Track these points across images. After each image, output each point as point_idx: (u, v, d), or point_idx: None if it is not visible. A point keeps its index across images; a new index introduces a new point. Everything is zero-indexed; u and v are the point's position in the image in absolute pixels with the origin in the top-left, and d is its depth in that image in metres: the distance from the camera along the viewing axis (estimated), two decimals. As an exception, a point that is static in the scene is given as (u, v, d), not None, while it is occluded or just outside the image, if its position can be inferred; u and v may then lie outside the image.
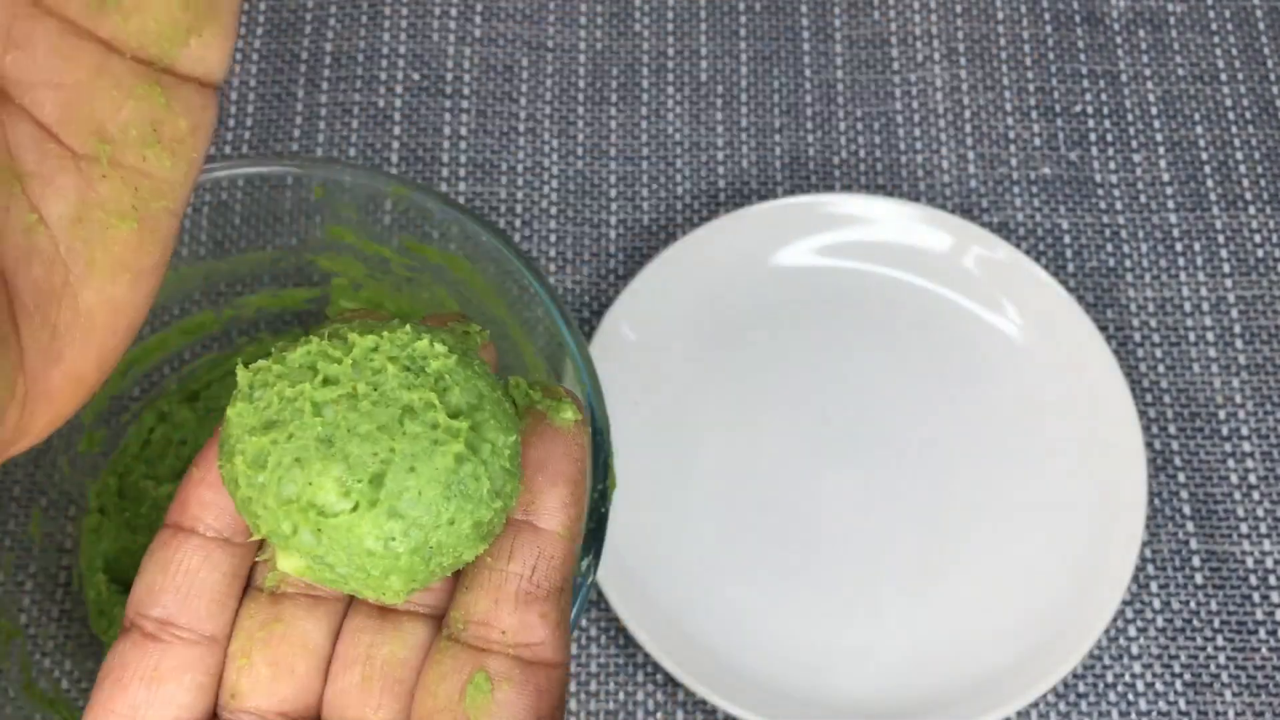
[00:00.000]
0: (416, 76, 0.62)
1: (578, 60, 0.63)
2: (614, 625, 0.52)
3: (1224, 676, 0.52)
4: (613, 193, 0.60)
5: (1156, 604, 0.53)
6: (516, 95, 0.62)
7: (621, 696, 0.51)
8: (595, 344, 0.54)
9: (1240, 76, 0.63)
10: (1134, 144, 0.61)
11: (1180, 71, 0.63)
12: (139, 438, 0.51)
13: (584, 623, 0.52)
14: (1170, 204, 0.60)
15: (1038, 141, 0.61)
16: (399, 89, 0.62)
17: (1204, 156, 0.61)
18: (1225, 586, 0.53)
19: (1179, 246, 0.59)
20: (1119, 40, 0.63)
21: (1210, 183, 0.60)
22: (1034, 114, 0.62)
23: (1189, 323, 0.58)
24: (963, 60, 0.63)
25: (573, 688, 0.51)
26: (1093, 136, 0.61)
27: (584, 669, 0.52)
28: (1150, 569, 0.53)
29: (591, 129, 0.61)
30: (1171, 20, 0.64)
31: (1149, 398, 0.56)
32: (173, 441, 0.51)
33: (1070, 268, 0.59)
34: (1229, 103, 0.62)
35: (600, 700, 0.51)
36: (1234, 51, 0.63)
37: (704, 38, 0.64)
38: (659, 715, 0.51)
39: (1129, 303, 0.58)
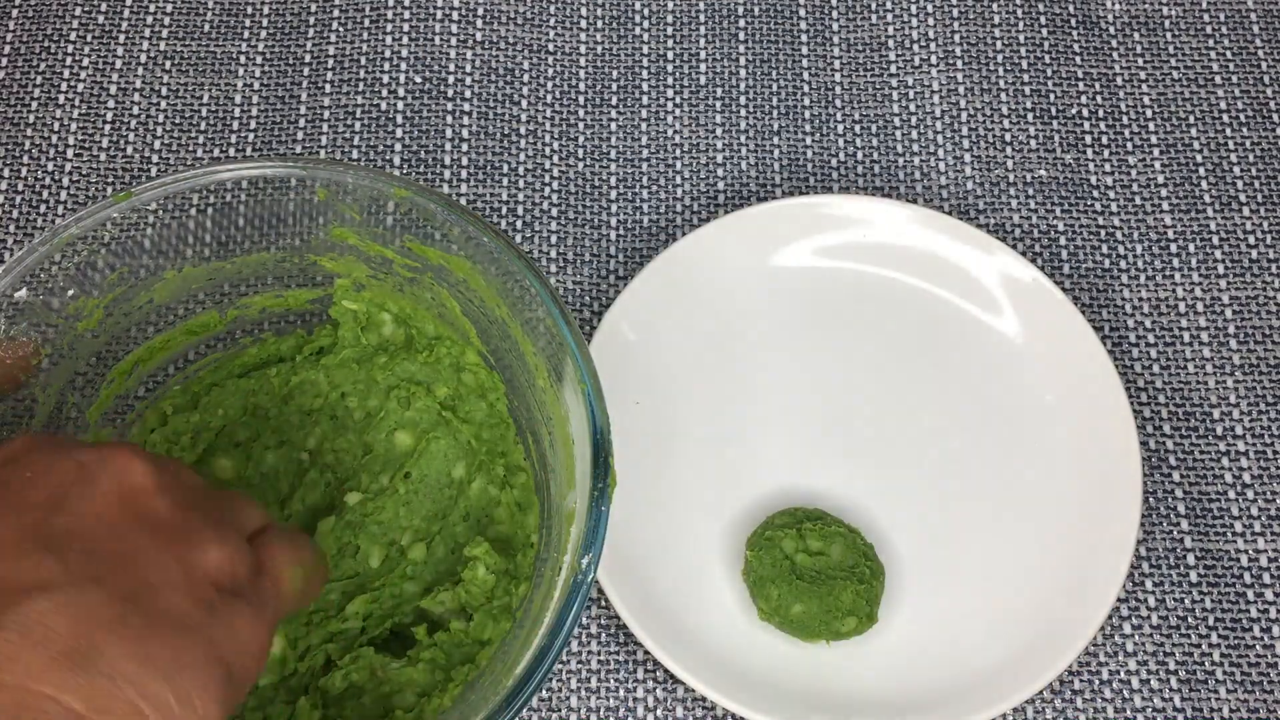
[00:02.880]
0: (419, 79, 0.62)
1: (578, 63, 0.63)
2: (614, 622, 0.53)
3: (1219, 674, 0.52)
4: (613, 194, 0.61)
5: (1151, 601, 0.53)
6: (518, 98, 0.62)
7: (621, 693, 0.51)
8: (595, 344, 0.54)
9: (1235, 79, 0.63)
10: (1129, 146, 0.62)
11: (1175, 74, 0.63)
12: (142, 437, 0.51)
13: (584, 620, 0.52)
14: (1165, 205, 0.60)
15: (1034, 144, 0.62)
16: (401, 92, 0.62)
17: (1198, 159, 0.61)
18: (1220, 584, 0.53)
19: (1174, 248, 0.60)
20: (1114, 44, 0.64)
21: (1205, 184, 0.61)
22: (1030, 116, 0.62)
23: (1184, 323, 0.58)
24: (959, 63, 0.63)
25: (573, 684, 0.52)
26: (1088, 139, 0.62)
27: (584, 665, 0.52)
28: (1145, 567, 0.54)
29: (592, 131, 0.62)
30: (1167, 24, 0.64)
31: (1144, 397, 0.57)
32: (177, 441, 0.51)
33: (1066, 269, 0.59)
34: (1223, 105, 0.63)
35: (600, 697, 0.51)
36: (1228, 55, 0.64)
37: (703, 41, 0.64)
38: (658, 711, 0.51)
39: (1124, 303, 0.58)
